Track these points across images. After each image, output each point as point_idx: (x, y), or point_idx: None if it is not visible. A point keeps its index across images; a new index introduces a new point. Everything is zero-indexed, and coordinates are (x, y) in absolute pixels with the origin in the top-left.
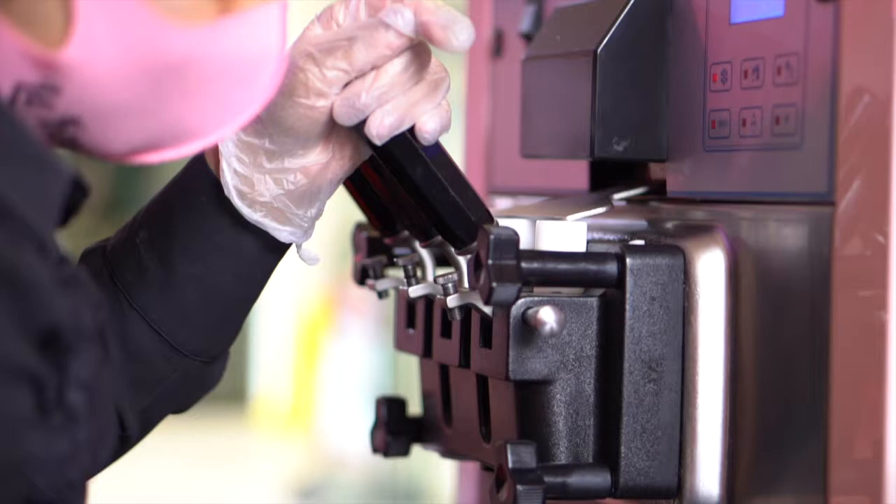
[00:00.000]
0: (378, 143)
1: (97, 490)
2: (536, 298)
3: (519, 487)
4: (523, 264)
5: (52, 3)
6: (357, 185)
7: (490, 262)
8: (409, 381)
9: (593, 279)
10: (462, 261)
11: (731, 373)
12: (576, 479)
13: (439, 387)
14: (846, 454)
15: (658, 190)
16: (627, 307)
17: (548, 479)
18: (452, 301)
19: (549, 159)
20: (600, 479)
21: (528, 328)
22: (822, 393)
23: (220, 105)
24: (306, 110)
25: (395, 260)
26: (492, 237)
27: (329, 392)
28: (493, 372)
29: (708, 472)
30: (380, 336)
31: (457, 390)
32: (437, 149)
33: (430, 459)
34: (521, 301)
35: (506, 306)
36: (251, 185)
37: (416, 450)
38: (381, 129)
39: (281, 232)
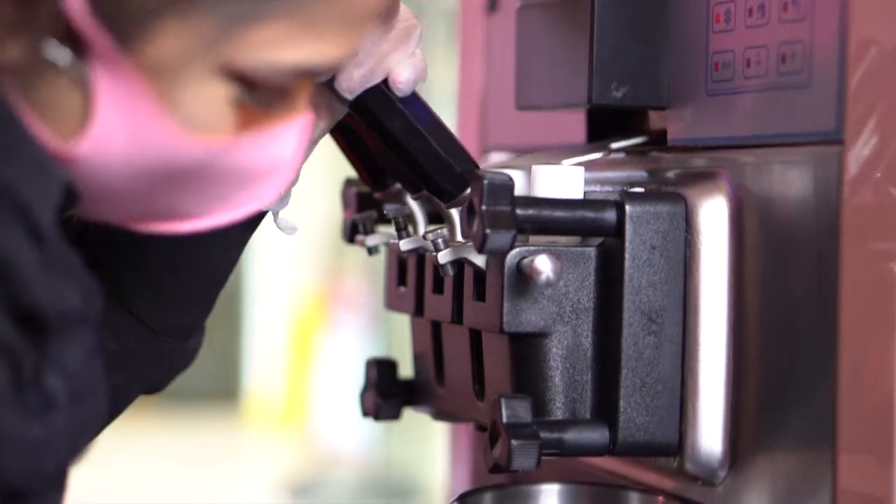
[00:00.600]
0: (349, 97)
1: (89, 489)
2: (532, 248)
3: (513, 442)
4: (518, 211)
5: (74, 98)
6: (346, 138)
7: (484, 208)
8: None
9: (591, 227)
10: (454, 213)
11: (735, 324)
12: (573, 436)
13: (431, 346)
14: (855, 410)
15: (658, 140)
16: (627, 256)
17: (544, 434)
18: (444, 256)
19: (546, 110)
20: (598, 435)
21: (524, 278)
22: (830, 346)
23: (222, 201)
24: None
25: (385, 214)
26: (486, 182)
27: (323, 389)
28: (486, 325)
29: (710, 428)
30: (374, 332)
31: (449, 348)
32: (414, 99)
33: (425, 455)
34: (515, 250)
35: (500, 255)
36: None
37: (411, 446)
38: (350, 82)
39: None
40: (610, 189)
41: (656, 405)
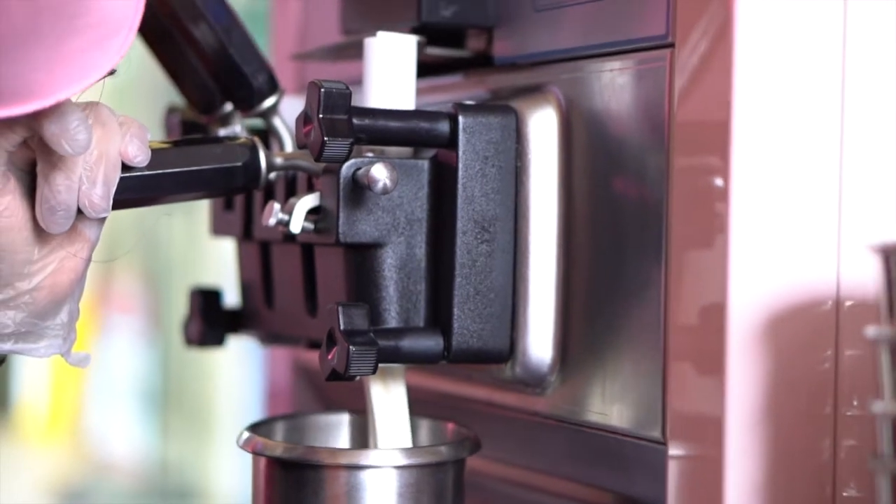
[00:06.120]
0: (99, 215)
1: None
2: (366, 159)
3: (352, 349)
4: (354, 120)
5: None
6: (170, 60)
7: (321, 116)
8: (180, 381)
9: (425, 137)
10: (278, 123)
11: (564, 233)
12: (408, 343)
13: (260, 270)
14: (684, 319)
15: (486, 62)
16: (460, 166)
17: (381, 342)
18: (278, 161)
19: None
20: (433, 342)
21: (359, 189)
22: (659, 254)
23: (65, 63)
24: None
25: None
26: (323, 91)
27: (95, 394)
28: (322, 238)
29: (540, 334)
30: (149, 335)
31: (280, 269)
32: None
33: (201, 458)
34: (350, 161)
35: (337, 162)
36: None
37: (191, 446)
38: (97, 207)
39: (37, 350)
40: None
41: (489, 313)
